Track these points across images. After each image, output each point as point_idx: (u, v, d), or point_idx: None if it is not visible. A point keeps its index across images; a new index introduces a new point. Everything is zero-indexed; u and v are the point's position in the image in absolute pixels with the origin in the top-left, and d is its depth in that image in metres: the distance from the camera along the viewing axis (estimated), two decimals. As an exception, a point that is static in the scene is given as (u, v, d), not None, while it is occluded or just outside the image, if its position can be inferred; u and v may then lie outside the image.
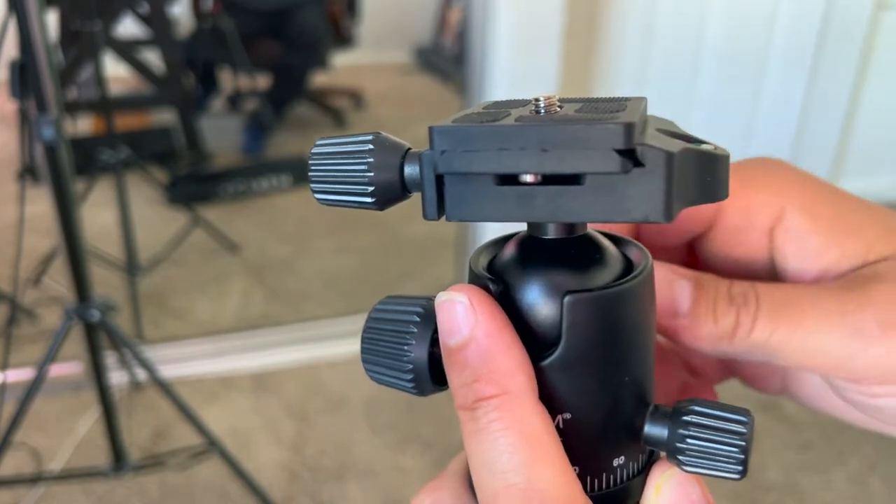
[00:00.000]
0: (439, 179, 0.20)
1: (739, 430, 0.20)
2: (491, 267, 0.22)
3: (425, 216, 0.20)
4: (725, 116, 1.98)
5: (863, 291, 0.23)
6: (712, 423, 0.20)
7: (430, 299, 0.22)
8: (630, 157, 0.18)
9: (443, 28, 4.38)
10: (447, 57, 4.21)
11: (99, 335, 1.12)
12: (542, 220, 0.19)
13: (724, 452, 0.20)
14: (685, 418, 0.20)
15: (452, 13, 4.27)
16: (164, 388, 1.17)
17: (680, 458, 0.20)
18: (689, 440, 0.20)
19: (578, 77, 1.73)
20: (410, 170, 0.20)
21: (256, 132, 3.01)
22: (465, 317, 0.20)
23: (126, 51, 2.78)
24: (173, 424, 1.42)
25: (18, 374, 1.42)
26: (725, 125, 1.99)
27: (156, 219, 2.33)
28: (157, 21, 2.74)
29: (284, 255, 2.18)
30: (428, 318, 0.21)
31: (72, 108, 2.69)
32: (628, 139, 0.17)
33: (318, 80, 3.42)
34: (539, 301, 0.20)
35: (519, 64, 1.59)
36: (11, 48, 0.97)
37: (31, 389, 1.10)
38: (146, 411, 1.47)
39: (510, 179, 0.19)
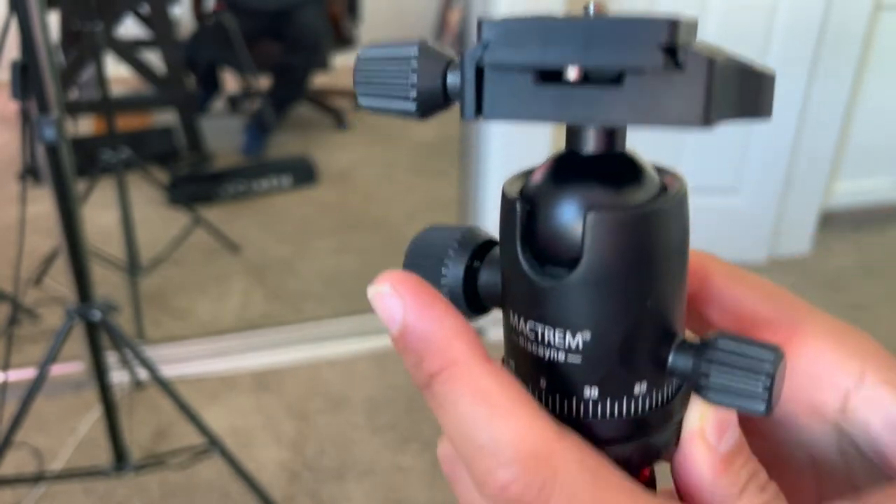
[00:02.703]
0: (479, 76, 0.19)
1: (763, 367, 0.20)
2: (523, 190, 0.22)
3: (463, 116, 0.20)
4: (725, 117, 1.97)
5: None
6: (736, 360, 0.20)
7: (472, 229, 0.22)
8: (672, 56, 0.17)
9: (443, 28, 4.38)
10: (447, 57, 4.21)
11: (100, 335, 1.12)
12: (579, 121, 0.19)
13: (746, 388, 0.20)
14: (710, 351, 0.20)
15: (452, 13, 4.27)
16: (165, 387, 1.18)
17: (703, 391, 0.21)
18: (712, 375, 0.20)
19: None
20: (453, 78, 0.20)
21: (257, 133, 3.01)
22: (392, 304, 0.20)
23: (127, 51, 2.78)
24: (174, 424, 1.42)
25: (20, 374, 1.43)
26: (723, 126, 1.99)
27: (157, 219, 2.34)
28: (159, 22, 2.75)
29: (284, 255, 2.18)
30: (466, 243, 0.22)
31: (73, 109, 2.70)
32: (671, 36, 0.17)
33: (319, 80, 3.43)
34: (563, 217, 0.20)
35: (519, 64, 1.59)
36: (13, 49, 0.98)
37: (33, 389, 1.10)
38: (147, 411, 1.48)
39: (550, 78, 0.19)
